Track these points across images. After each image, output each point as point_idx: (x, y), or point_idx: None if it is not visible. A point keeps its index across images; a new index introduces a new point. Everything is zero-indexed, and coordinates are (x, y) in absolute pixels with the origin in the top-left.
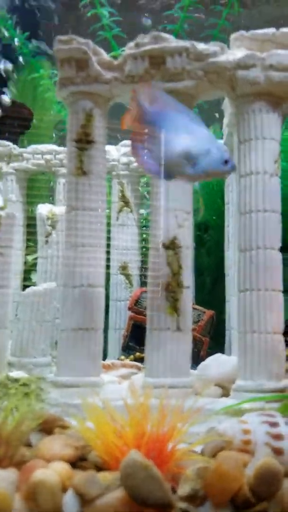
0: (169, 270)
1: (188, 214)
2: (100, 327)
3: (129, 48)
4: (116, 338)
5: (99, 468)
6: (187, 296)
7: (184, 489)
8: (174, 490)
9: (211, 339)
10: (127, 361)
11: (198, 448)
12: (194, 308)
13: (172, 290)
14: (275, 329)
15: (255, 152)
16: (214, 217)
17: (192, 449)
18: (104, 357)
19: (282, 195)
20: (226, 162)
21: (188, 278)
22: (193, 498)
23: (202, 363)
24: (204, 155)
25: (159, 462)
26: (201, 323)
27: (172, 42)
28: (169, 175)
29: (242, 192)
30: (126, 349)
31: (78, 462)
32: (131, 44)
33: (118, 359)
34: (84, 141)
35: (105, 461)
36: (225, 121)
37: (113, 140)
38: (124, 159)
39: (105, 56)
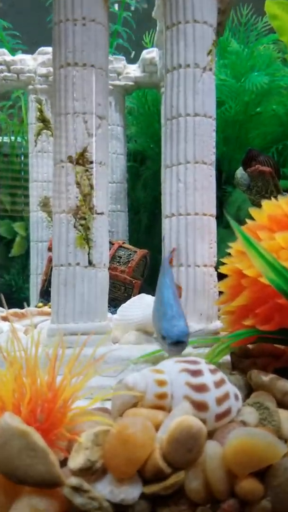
0: (77, 191)
1: (102, 120)
2: None
3: None
4: (38, 284)
5: None
6: (102, 225)
7: (75, 461)
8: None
9: (144, 282)
10: (46, 308)
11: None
12: (123, 247)
13: (82, 217)
14: (206, 261)
15: (184, 39)
16: (151, 145)
17: (98, 408)
18: (26, 304)
19: (227, 119)
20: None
21: (102, 202)
22: (88, 472)
23: (123, 305)
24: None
25: (47, 427)
26: (131, 264)
27: None
28: None
29: (168, 91)
30: (45, 295)
31: None
32: None
33: (36, 306)
34: None
35: None
36: (155, 11)
37: (28, 46)
38: (43, 70)
39: None
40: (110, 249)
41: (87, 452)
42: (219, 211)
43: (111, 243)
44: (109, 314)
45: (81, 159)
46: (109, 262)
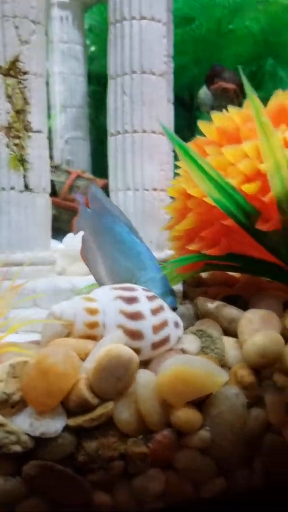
0: (9, 106)
1: (37, 25)
2: None
3: None
4: None
5: None
6: (40, 144)
7: None
8: None
9: None
10: None
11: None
12: (82, 177)
13: (15, 135)
14: (155, 185)
15: None
16: None
17: (31, 341)
18: None
19: (198, 38)
20: None
21: (40, 118)
22: (4, 405)
23: (69, 235)
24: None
25: None
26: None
27: None
28: None
29: None
30: None
31: None
32: None
33: None
34: None
35: None
36: None
37: None
38: None
39: None
40: (67, 178)
41: (2, 385)
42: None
43: (68, 173)
44: (58, 244)
45: (13, 70)
46: (67, 193)
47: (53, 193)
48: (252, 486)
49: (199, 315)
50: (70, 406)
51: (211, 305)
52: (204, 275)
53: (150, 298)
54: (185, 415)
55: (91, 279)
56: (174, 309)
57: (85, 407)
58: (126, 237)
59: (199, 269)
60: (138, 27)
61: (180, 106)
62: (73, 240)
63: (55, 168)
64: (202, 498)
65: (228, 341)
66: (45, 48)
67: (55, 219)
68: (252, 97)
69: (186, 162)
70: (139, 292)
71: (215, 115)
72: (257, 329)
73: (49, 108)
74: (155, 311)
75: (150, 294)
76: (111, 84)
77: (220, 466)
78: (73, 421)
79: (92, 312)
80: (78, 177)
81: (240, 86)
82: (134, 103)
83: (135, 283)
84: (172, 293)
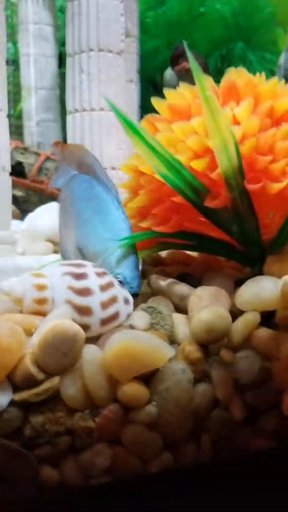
0: None
1: None
2: None
3: None
4: None
5: None
6: None
7: None
8: None
9: None
10: None
11: None
12: (52, 159)
13: None
14: (114, 163)
15: None
16: None
17: None
18: None
19: (170, 21)
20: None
21: None
22: None
23: (30, 214)
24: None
25: None
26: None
27: None
28: None
29: None
30: None
31: None
32: None
33: None
34: None
35: None
36: None
37: None
38: None
39: None
40: (36, 160)
41: None
42: None
43: (38, 154)
44: (22, 225)
45: None
46: (36, 175)
47: (22, 175)
48: (199, 461)
49: (153, 293)
50: (16, 381)
51: (163, 282)
52: (163, 254)
53: (100, 275)
54: (132, 390)
55: (52, 258)
56: (136, 295)
57: (30, 382)
58: (113, 211)
59: (154, 248)
60: (95, 4)
61: (153, 88)
62: (35, 220)
63: (24, 150)
64: (149, 473)
65: (179, 318)
66: (4, 26)
67: (24, 201)
68: (196, 73)
69: (132, 138)
70: (88, 268)
71: (167, 92)
72: (206, 305)
73: (19, 91)
74: (104, 287)
75: (100, 270)
76: (69, 62)
77: (167, 442)
78: (19, 396)
79: (41, 288)
80: (48, 159)
81: (204, 66)
82: (91, 81)
83: (106, 258)
84: (139, 278)
